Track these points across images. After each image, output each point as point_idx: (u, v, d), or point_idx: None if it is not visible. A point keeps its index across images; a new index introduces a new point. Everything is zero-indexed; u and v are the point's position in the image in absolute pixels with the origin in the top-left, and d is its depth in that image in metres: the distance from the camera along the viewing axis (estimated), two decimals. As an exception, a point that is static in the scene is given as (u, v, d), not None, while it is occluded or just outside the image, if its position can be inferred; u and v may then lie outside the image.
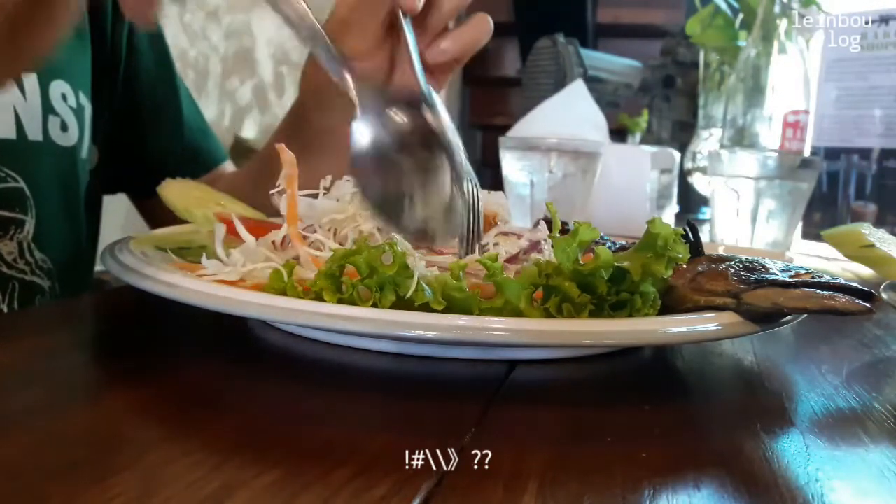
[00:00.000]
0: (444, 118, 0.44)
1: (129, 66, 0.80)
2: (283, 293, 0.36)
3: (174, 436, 0.30)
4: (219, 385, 0.36)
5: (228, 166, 0.89)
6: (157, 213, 0.84)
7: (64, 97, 0.69)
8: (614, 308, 0.37)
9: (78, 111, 0.71)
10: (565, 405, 0.35)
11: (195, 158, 0.85)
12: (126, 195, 0.88)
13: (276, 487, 0.25)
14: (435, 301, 0.35)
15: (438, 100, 0.45)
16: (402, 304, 0.35)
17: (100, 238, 0.82)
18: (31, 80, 0.65)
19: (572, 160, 0.87)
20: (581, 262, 0.36)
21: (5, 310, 0.64)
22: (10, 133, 0.64)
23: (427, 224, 0.41)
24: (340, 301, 0.35)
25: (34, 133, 0.66)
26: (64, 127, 0.69)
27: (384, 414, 0.33)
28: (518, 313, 0.36)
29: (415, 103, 0.44)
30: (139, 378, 0.35)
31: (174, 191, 0.53)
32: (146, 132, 0.82)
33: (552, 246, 0.38)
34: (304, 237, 0.43)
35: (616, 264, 0.36)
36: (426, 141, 0.43)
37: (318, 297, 0.36)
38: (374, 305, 0.35)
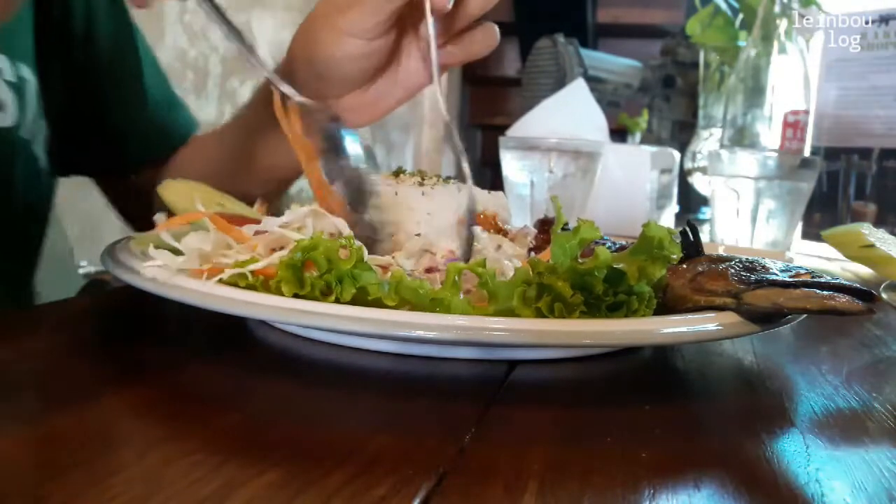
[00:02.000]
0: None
1: (86, 33, 0.71)
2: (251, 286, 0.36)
3: (174, 436, 0.30)
4: (219, 385, 0.36)
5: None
6: (121, 193, 0.78)
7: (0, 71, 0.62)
8: (610, 309, 0.37)
9: (18, 85, 0.63)
10: (565, 405, 0.35)
11: (161, 134, 0.76)
12: (88, 178, 0.79)
13: (276, 487, 0.25)
14: (388, 297, 0.35)
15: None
16: (359, 300, 0.35)
17: (58, 229, 0.75)
18: None
19: (572, 160, 0.87)
20: (580, 260, 0.36)
21: None
22: None
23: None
24: (296, 296, 0.35)
25: None
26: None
27: (384, 414, 0.33)
28: (509, 312, 0.36)
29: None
30: (139, 378, 0.35)
31: (174, 191, 0.53)
32: (105, 105, 0.74)
33: (552, 242, 0.38)
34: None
35: (612, 265, 0.36)
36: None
37: (278, 289, 0.36)
38: (337, 300, 0.35)
